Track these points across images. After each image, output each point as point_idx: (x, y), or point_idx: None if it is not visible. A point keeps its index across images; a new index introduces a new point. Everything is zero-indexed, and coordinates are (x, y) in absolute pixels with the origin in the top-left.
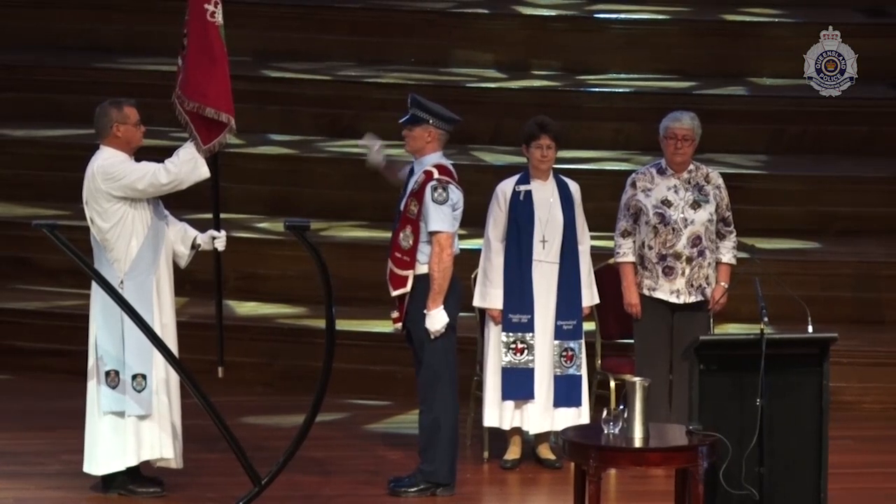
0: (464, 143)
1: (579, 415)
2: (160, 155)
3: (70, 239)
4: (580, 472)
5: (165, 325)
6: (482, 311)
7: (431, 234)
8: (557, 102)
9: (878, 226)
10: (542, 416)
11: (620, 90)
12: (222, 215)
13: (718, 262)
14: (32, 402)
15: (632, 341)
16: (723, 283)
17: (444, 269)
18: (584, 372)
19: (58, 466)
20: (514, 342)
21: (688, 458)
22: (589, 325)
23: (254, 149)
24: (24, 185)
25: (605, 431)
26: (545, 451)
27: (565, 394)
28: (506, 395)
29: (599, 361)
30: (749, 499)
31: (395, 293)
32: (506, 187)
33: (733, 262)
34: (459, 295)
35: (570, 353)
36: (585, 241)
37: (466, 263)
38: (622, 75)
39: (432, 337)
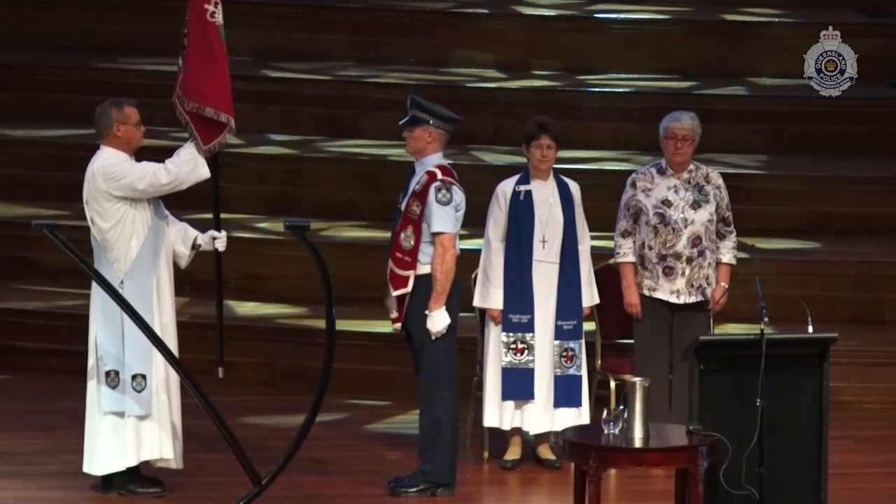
0: (464, 143)
1: (579, 415)
2: (160, 155)
3: (70, 239)
4: (580, 472)
5: (165, 325)
6: (482, 311)
7: (434, 234)
8: (557, 102)
9: (878, 226)
10: (542, 416)
11: (620, 90)
12: (222, 215)
13: (718, 263)
14: (32, 402)
15: (632, 341)
16: (723, 284)
17: (446, 270)
18: (584, 372)
19: (58, 466)
20: (515, 342)
21: (688, 458)
22: (589, 325)
23: (254, 149)
24: (24, 185)
25: (605, 431)
26: (545, 452)
27: (565, 394)
28: (506, 396)
29: (599, 361)
30: (749, 499)
31: (395, 293)
32: (506, 187)
33: (733, 262)
34: (460, 295)
35: (570, 353)
36: (585, 241)
37: (466, 263)
38: (622, 75)
39: (433, 338)
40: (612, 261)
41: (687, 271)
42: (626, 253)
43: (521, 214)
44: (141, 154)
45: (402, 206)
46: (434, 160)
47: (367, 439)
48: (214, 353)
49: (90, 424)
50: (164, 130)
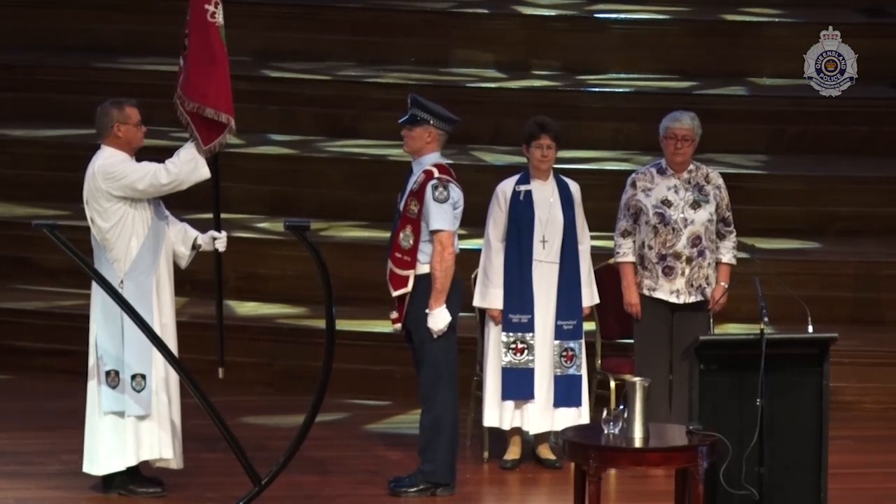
0: (464, 143)
1: (579, 415)
2: (160, 155)
3: (70, 239)
4: (580, 472)
5: (165, 325)
6: (482, 311)
7: (433, 232)
8: (557, 102)
9: (878, 226)
10: (542, 416)
11: (620, 90)
12: (222, 215)
13: (718, 262)
14: (32, 402)
15: (632, 341)
16: (723, 283)
17: (446, 268)
18: (584, 372)
19: (58, 466)
20: (515, 342)
21: (688, 458)
22: (589, 325)
23: (254, 149)
24: (24, 185)
25: (605, 431)
26: (545, 451)
27: (565, 394)
28: (506, 395)
29: (599, 361)
30: (749, 499)
31: (395, 293)
32: (506, 187)
33: (733, 262)
34: (461, 295)
35: (570, 353)
36: (585, 241)
37: (466, 263)
38: (622, 75)
39: (434, 336)
40: (611, 261)
41: (687, 271)
42: (625, 253)
43: (521, 214)
44: (141, 154)
45: (401, 206)
46: (431, 159)
47: (367, 439)
48: (214, 353)
49: (90, 424)
50: (164, 130)
